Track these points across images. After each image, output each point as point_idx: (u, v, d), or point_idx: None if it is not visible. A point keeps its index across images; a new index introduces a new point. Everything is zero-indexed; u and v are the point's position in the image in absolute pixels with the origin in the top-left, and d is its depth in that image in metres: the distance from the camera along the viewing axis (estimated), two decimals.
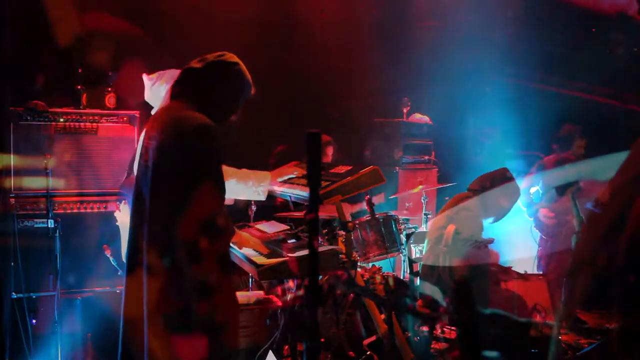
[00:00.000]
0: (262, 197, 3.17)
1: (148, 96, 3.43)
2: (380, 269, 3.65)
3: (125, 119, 4.35)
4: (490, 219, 4.09)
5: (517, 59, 6.30)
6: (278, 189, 3.23)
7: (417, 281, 4.05)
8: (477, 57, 6.20)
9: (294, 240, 3.05)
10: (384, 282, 2.37)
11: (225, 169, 2.98)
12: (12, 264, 3.91)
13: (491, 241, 3.73)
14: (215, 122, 2.41)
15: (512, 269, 4.33)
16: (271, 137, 5.52)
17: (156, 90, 3.36)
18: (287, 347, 3.66)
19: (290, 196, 3.21)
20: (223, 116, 2.55)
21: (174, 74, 3.17)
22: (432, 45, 6.26)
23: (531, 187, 5.52)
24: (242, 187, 3.12)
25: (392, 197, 5.57)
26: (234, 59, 2.58)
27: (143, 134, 2.67)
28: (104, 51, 4.68)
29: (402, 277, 4.75)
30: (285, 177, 3.21)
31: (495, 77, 6.44)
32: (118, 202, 3.65)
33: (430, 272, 3.85)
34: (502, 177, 4.07)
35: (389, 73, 6.06)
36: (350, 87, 6.04)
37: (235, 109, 2.60)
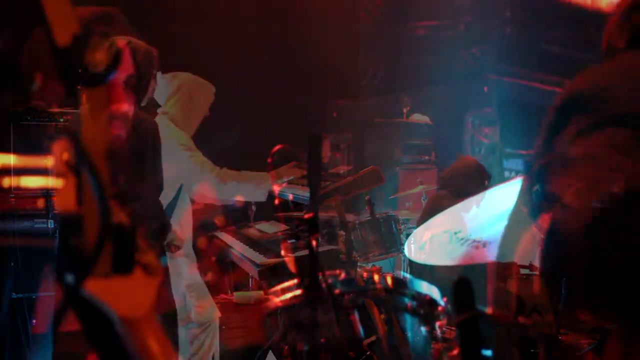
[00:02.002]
0: (263, 199, 3.18)
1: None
2: (380, 269, 3.64)
3: None
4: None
5: (516, 58, 6.31)
6: (277, 189, 3.24)
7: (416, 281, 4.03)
8: (476, 57, 6.20)
9: (293, 240, 3.05)
10: (383, 281, 2.37)
11: (225, 171, 3.00)
12: (12, 264, 3.90)
13: (481, 239, 3.71)
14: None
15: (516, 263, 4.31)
16: (269, 137, 5.51)
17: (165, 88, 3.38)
18: (287, 347, 3.66)
19: (290, 196, 3.21)
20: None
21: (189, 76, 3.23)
22: (432, 45, 6.26)
23: (532, 187, 5.49)
24: (243, 189, 3.13)
25: (392, 197, 5.57)
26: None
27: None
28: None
29: (401, 277, 4.74)
30: (286, 179, 3.22)
31: (494, 76, 6.44)
32: None
33: (425, 271, 3.85)
34: (479, 172, 4.07)
35: (389, 73, 6.06)
36: (350, 86, 6.04)
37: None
